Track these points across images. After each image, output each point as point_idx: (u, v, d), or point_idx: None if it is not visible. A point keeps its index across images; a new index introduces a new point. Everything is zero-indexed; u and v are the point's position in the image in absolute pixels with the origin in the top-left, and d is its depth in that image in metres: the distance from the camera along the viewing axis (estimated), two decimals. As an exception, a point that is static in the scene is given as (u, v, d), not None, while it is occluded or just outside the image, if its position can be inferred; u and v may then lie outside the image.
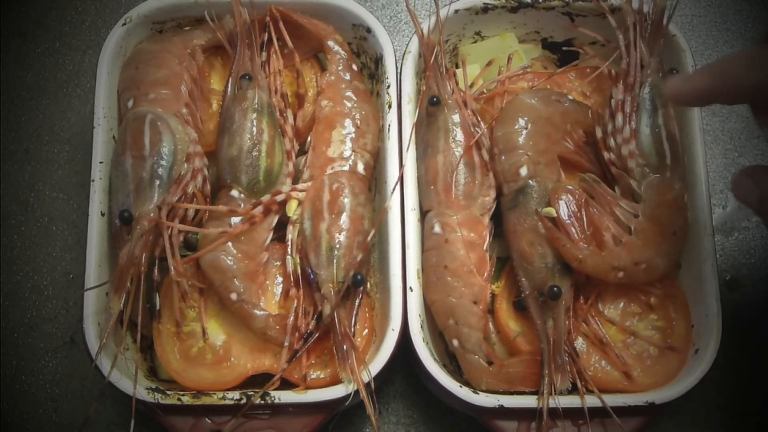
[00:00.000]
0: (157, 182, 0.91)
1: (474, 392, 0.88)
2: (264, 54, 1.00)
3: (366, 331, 0.93)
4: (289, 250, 0.93)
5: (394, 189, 0.93)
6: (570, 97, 0.97)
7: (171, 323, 0.92)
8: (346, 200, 0.92)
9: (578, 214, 0.91)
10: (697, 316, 0.92)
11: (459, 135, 0.96)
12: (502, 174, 0.94)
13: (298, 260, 0.92)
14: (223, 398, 0.87)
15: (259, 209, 0.92)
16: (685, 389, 0.88)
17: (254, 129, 0.94)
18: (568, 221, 0.91)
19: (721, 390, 1.03)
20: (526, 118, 0.94)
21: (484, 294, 0.91)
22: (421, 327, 0.90)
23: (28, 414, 1.02)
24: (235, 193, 0.93)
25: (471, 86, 1.00)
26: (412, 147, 0.96)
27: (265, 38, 1.00)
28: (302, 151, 0.99)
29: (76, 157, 1.11)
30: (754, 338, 1.06)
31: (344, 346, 0.87)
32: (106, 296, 0.90)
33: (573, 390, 0.89)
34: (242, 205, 0.93)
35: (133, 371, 0.88)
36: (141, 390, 0.87)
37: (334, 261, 0.90)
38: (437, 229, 0.93)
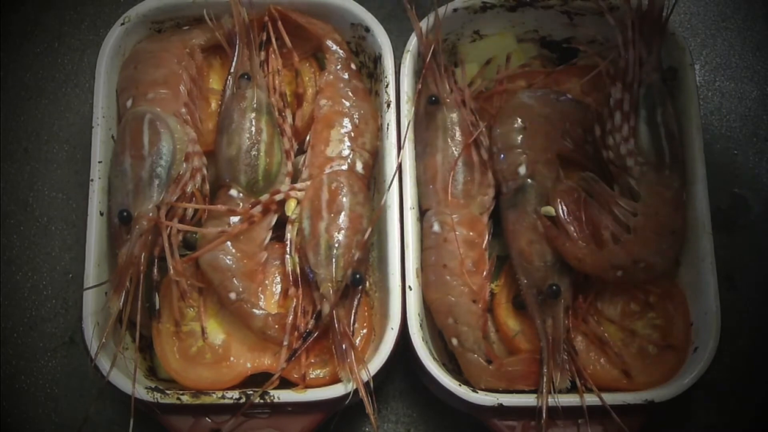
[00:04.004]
0: (156, 182, 0.91)
1: (473, 391, 0.88)
2: (263, 53, 1.00)
3: (365, 330, 0.93)
4: (288, 249, 0.93)
5: (391, 183, 0.93)
6: (569, 96, 0.97)
7: (170, 323, 0.92)
8: (344, 199, 0.92)
9: (577, 213, 0.91)
10: (696, 315, 0.92)
11: (458, 134, 0.96)
12: (501, 173, 0.94)
13: (297, 259, 0.92)
14: (223, 397, 0.87)
15: (258, 209, 0.92)
16: (685, 387, 0.88)
17: (253, 128, 0.94)
18: (567, 220, 0.91)
19: (721, 388, 1.03)
20: (524, 117, 0.94)
21: (484, 293, 0.91)
22: (420, 326, 0.90)
23: (28, 414, 1.02)
24: (234, 192, 0.93)
25: (470, 85, 1.00)
26: (410, 145, 0.96)
27: (264, 38, 1.00)
28: (301, 151, 0.98)
29: (75, 156, 1.11)
30: (753, 336, 1.06)
31: (343, 345, 0.87)
32: (106, 296, 0.90)
33: (572, 389, 0.89)
34: (241, 204, 0.93)
35: (132, 371, 0.88)
36: (140, 389, 0.87)
37: (333, 260, 0.90)
38: (436, 227, 0.93)
